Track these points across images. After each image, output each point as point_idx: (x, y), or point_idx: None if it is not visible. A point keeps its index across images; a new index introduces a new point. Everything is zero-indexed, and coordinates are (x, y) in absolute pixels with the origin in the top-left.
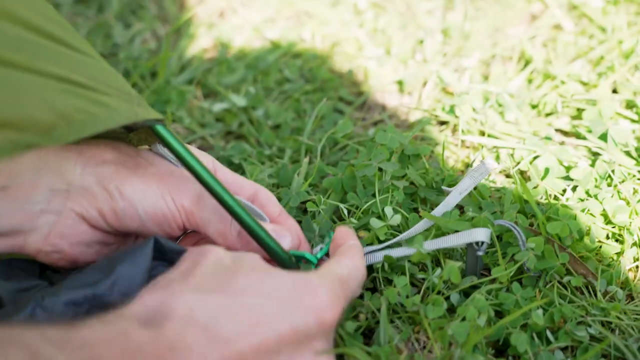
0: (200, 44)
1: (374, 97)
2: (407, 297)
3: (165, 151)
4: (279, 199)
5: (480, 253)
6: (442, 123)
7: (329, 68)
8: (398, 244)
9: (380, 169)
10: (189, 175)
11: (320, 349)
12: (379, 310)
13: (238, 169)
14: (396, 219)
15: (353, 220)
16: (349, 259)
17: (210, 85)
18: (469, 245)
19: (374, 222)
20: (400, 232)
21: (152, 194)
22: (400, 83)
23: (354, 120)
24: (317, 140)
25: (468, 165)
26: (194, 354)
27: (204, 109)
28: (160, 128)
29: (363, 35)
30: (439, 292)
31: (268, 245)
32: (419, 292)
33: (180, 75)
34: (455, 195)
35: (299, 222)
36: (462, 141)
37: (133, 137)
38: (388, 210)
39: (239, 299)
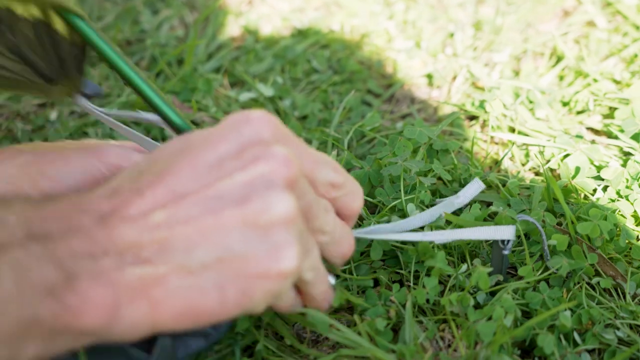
0: (228, 32)
1: (403, 90)
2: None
3: (89, 104)
4: None
5: (506, 252)
6: (472, 118)
7: (358, 59)
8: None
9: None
10: (108, 142)
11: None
12: (403, 306)
13: None
14: None
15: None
16: None
17: (238, 74)
18: (495, 243)
19: (395, 220)
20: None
21: (75, 164)
22: (429, 76)
23: (381, 113)
24: (345, 133)
25: (497, 162)
26: None
27: (230, 98)
28: (77, 20)
29: (393, 27)
30: (463, 289)
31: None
32: (444, 289)
33: (207, 63)
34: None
35: None
36: (491, 137)
37: (51, 88)
38: (410, 207)
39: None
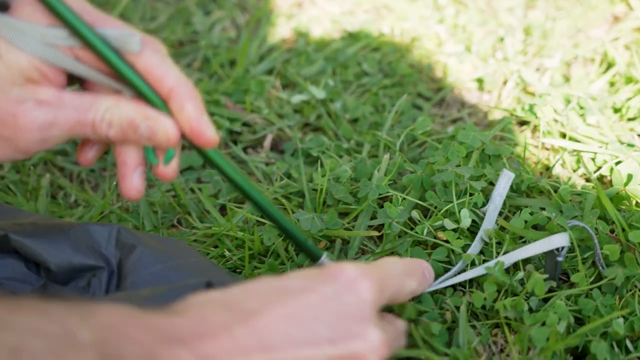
0: (279, 34)
1: (453, 93)
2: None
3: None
4: (357, 190)
5: (560, 259)
6: (522, 123)
7: (408, 63)
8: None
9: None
10: None
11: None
12: (457, 309)
13: (316, 161)
14: (467, 222)
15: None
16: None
17: (290, 76)
18: (549, 251)
19: (448, 224)
20: (476, 233)
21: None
22: (480, 81)
23: (432, 117)
24: (396, 136)
25: (548, 168)
26: None
27: (282, 100)
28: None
29: (443, 31)
30: (516, 294)
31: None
32: (498, 294)
33: (259, 65)
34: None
35: (375, 215)
36: (542, 143)
37: None
38: (464, 212)
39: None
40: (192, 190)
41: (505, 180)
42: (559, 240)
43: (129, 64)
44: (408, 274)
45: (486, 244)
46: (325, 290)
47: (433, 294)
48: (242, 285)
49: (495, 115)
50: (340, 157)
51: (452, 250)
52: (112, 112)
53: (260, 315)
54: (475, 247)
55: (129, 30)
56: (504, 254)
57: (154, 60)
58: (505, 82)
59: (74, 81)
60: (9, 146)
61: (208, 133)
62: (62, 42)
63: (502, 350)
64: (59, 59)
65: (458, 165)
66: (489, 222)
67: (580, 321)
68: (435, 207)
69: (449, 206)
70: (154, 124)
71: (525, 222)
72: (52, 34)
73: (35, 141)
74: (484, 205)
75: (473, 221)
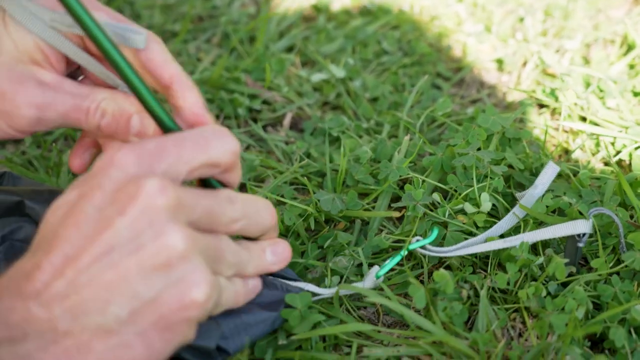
0: (299, 9)
1: (472, 74)
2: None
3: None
4: (377, 172)
5: (581, 244)
6: (542, 106)
7: (427, 41)
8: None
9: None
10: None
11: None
12: (475, 291)
13: (336, 141)
14: (487, 206)
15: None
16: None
17: (309, 53)
18: (570, 236)
19: (468, 208)
20: (498, 219)
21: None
22: (499, 61)
23: (451, 97)
24: (415, 117)
25: (567, 151)
26: None
27: (302, 78)
28: None
29: (462, 10)
30: (536, 279)
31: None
32: (517, 279)
33: (279, 42)
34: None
35: (398, 197)
36: (561, 126)
37: None
38: (484, 196)
39: None
40: None
41: (550, 172)
42: (583, 226)
43: (127, 59)
44: (220, 136)
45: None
46: (97, 181)
47: (452, 269)
48: (42, 223)
49: (515, 96)
50: (360, 137)
51: (472, 230)
52: (107, 102)
53: (57, 238)
54: (500, 226)
55: (137, 27)
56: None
57: (155, 50)
58: (524, 64)
59: (75, 76)
60: (4, 121)
61: (209, 119)
62: (67, 29)
63: (520, 335)
64: (62, 44)
65: (479, 149)
66: (527, 204)
67: (598, 307)
68: (455, 190)
69: (469, 190)
70: (146, 118)
71: (547, 207)
72: (59, 19)
73: (30, 120)
74: (503, 188)
75: (493, 205)
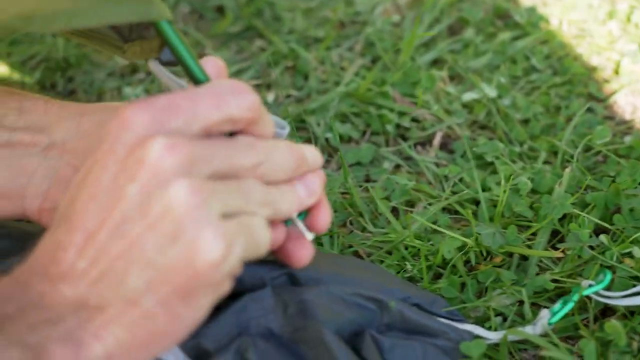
0: (443, 20)
1: (626, 96)
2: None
3: (161, 69)
4: (537, 205)
5: None
6: None
7: (578, 59)
8: None
9: None
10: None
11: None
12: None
13: (488, 164)
14: None
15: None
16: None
17: (457, 68)
18: None
19: (637, 252)
20: None
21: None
22: None
23: (604, 121)
24: (571, 143)
25: None
26: None
27: (451, 95)
28: (165, 25)
29: (615, 26)
30: None
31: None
32: None
33: (425, 54)
34: None
35: (557, 231)
36: None
37: (128, 48)
38: None
39: None
40: (363, 188)
41: None
42: None
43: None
44: (237, 92)
45: None
46: (108, 146)
47: (618, 315)
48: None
49: None
50: (514, 162)
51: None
52: None
53: (75, 214)
54: None
55: (281, 120)
56: None
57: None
58: None
59: None
60: None
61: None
62: None
63: None
64: None
65: None
66: None
67: None
68: (621, 231)
69: (638, 234)
70: None
71: None
72: None
73: None
74: None
75: None
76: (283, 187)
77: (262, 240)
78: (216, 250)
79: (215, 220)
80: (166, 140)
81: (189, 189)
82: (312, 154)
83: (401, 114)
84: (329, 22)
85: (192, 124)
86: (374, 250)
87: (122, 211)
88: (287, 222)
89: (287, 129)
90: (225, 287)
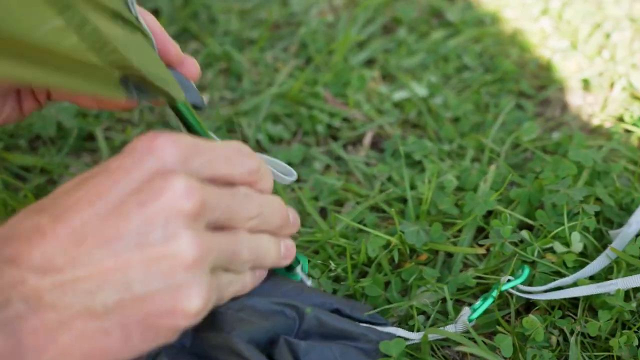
0: (377, 20)
1: (557, 93)
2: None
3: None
4: (462, 202)
5: None
6: (628, 131)
7: (510, 57)
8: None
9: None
10: None
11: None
12: (564, 335)
13: (417, 163)
14: (578, 247)
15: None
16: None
17: (389, 67)
18: None
19: (558, 247)
20: (587, 257)
21: None
22: (585, 81)
23: (535, 118)
24: (499, 140)
25: None
26: None
27: (382, 95)
28: (182, 106)
29: (547, 24)
30: (629, 328)
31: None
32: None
33: (358, 54)
34: (634, 227)
35: (482, 228)
36: None
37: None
38: (575, 236)
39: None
40: (291, 189)
41: None
42: None
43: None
44: (241, 153)
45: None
46: (128, 165)
47: (540, 310)
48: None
49: (601, 118)
50: (442, 160)
51: (562, 270)
52: None
53: (68, 208)
54: (591, 268)
55: (289, 168)
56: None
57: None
58: (612, 85)
59: None
60: None
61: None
62: None
63: None
64: None
65: (569, 186)
66: (620, 244)
67: None
68: (543, 227)
69: (559, 229)
70: None
71: None
72: None
73: None
74: (596, 230)
75: (584, 246)
76: (269, 245)
77: (230, 295)
78: (198, 305)
79: (206, 277)
80: (187, 182)
81: (193, 240)
82: (294, 218)
83: (332, 114)
84: (264, 24)
85: (206, 170)
86: (301, 250)
87: (120, 229)
88: None
89: (294, 177)
90: (175, 336)
